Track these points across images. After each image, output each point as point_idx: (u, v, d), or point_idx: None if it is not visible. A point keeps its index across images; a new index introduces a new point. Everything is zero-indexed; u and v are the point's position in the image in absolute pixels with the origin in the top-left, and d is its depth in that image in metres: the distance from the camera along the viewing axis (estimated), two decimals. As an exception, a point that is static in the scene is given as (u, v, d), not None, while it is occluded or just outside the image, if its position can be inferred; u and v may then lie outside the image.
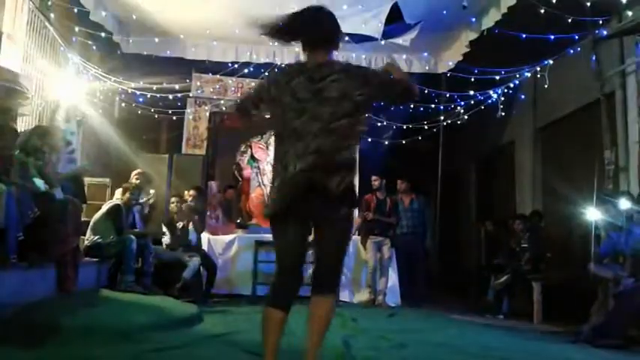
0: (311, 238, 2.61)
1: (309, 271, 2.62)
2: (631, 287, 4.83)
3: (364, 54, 8.61)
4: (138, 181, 6.74)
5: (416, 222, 8.01)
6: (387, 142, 9.89)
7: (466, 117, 8.85)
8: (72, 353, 3.33)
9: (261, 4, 6.98)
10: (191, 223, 7.10)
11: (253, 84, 9.27)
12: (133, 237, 6.12)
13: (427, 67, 8.72)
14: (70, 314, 3.93)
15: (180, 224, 7.03)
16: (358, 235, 7.88)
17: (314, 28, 2.64)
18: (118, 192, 6.76)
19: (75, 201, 5.39)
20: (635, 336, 4.73)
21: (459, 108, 8.84)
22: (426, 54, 8.60)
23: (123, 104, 8.84)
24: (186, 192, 7.37)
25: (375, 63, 8.67)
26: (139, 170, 7.01)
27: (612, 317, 4.83)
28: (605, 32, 6.49)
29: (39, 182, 4.77)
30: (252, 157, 9.35)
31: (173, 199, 7.19)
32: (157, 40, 8.08)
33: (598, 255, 5.47)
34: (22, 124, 5.77)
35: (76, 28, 7.20)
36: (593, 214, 5.74)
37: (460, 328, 5.67)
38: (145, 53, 8.23)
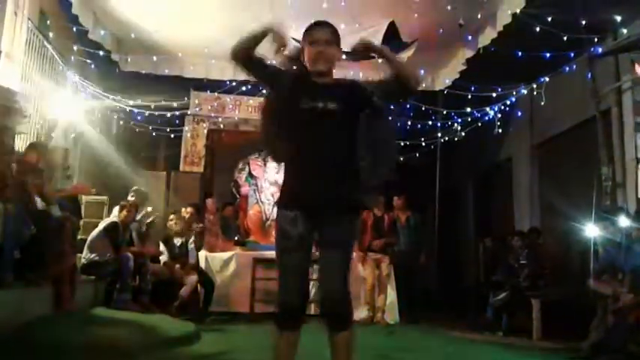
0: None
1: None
2: (630, 304, 4.82)
3: (361, 72, 8.65)
4: (134, 199, 6.73)
5: (413, 239, 8.00)
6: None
7: (463, 134, 8.89)
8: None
9: (259, 23, 7.05)
10: (191, 241, 7.09)
11: (251, 101, 9.33)
12: (130, 255, 6.10)
13: (424, 85, 8.75)
14: (67, 333, 3.91)
15: (178, 242, 7.01)
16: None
17: None
18: (116, 210, 6.75)
19: (72, 218, 5.38)
20: (635, 352, 4.69)
21: (456, 125, 8.88)
22: (422, 71, 8.64)
23: (121, 122, 8.87)
24: (183, 209, 7.37)
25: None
26: (135, 188, 7.01)
27: (612, 333, 4.81)
28: (600, 50, 6.55)
29: (36, 200, 4.76)
30: (250, 175, 9.36)
31: (172, 217, 7.18)
32: (155, 58, 8.12)
33: (597, 271, 5.46)
34: (20, 143, 5.77)
35: (75, 47, 7.24)
36: (591, 231, 5.73)
37: (459, 346, 5.64)
38: (144, 71, 8.26)
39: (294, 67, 2.58)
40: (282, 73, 2.57)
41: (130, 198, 6.74)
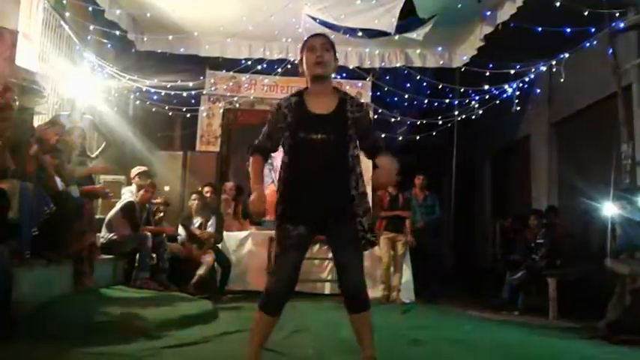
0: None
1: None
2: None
3: (377, 49, 8.59)
4: (149, 180, 6.71)
5: (430, 218, 8.01)
6: (400, 138, 9.85)
7: (481, 112, 8.80)
8: (89, 350, 3.36)
9: (274, 1, 7.00)
10: (210, 222, 7.06)
11: (267, 80, 9.30)
12: (148, 234, 6.16)
13: (441, 62, 8.66)
14: (87, 311, 3.97)
15: (197, 222, 7.03)
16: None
17: None
18: (126, 189, 6.78)
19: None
20: (653, 332, 4.67)
21: (473, 103, 8.78)
22: (440, 48, 8.54)
23: (137, 102, 8.89)
24: (205, 188, 7.39)
25: (388, 58, 8.64)
26: (139, 169, 6.84)
27: (629, 313, 4.78)
28: (622, 25, 6.42)
29: (57, 180, 4.80)
30: (266, 154, 9.33)
31: (194, 196, 7.18)
32: (170, 37, 8.11)
33: (615, 250, 5.41)
34: (39, 123, 5.82)
35: (91, 27, 7.24)
36: (609, 210, 5.67)
37: (475, 325, 5.64)
38: (159, 51, 8.28)
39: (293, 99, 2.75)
40: (282, 117, 2.74)
41: (135, 180, 6.69)
